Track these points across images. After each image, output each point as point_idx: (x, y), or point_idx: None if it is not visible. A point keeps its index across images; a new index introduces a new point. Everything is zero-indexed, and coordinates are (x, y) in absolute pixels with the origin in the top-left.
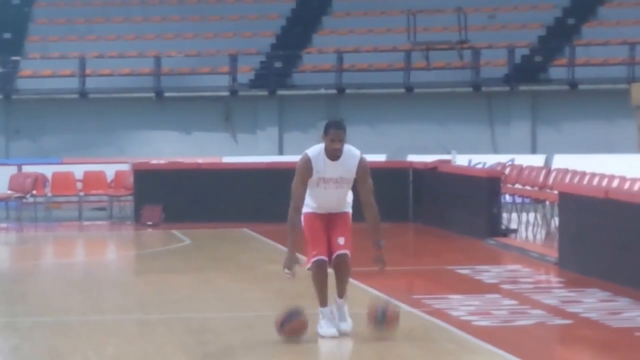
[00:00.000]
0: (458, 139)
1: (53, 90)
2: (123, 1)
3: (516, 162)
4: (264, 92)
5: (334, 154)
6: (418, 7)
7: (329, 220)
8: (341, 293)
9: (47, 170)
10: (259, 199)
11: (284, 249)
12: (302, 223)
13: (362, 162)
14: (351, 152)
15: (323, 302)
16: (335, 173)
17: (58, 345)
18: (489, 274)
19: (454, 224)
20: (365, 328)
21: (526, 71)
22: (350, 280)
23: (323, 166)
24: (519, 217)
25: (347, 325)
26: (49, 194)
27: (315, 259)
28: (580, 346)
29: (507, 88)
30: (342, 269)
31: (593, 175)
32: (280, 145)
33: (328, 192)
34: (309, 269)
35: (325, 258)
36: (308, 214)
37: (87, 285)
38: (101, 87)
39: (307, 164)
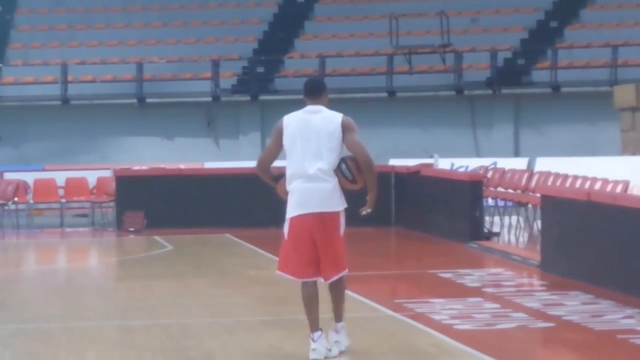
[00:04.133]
0: (440, 142)
1: (35, 97)
2: (105, 7)
3: (499, 166)
4: (246, 98)
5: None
6: (400, 11)
7: (317, 228)
8: (340, 316)
9: (29, 177)
10: (241, 204)
11: (267, 254)
12: (286, 232)
13: (344, 118)
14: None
15: (315, 326)
16: (315, 125)
17: (39, 352)
18: (471, 277)
19: (436, 228)
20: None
21: (509, 74)
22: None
23: (295, 118)
24: (501, 220)
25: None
26: (31, 201)
27: (299, 280)
28: (562, 349)
29: (489, 91)
30: (340, 289)
31: (575, 177)
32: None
33: (308, 150)
34: (280, 273)
35: (312, 280)
36: (294, 219)
37: (68, 291)
38: (83, 93)
39: (278, 123)
